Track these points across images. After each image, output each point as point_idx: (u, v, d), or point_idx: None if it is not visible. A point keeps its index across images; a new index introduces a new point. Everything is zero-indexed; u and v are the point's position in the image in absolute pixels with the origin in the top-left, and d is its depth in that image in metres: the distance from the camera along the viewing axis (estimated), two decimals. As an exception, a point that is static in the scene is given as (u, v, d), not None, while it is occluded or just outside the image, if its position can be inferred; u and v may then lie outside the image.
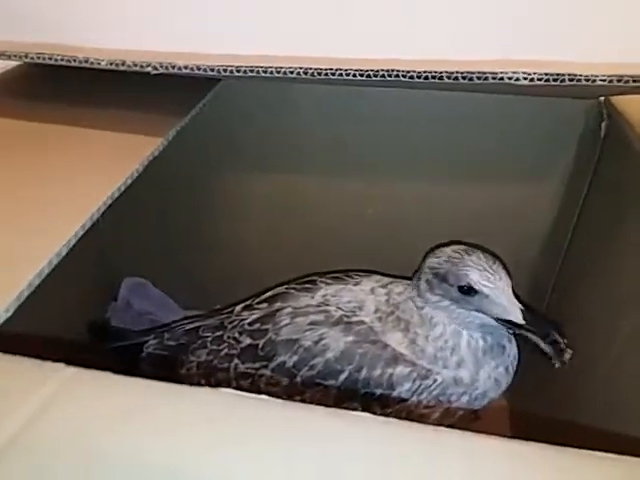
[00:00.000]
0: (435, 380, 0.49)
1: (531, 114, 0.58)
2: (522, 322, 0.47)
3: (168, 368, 0.57)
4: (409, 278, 0.55)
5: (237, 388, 0.53)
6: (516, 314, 0.47)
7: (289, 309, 0.54)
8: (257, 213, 0.69)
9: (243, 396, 0.23)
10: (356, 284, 0.56)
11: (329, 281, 0.57)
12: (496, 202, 0.62)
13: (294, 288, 0.57)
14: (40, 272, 0.32)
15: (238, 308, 0.58)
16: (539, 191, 0.63)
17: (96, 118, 0.51)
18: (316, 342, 0.50)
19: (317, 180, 0.66)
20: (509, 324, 0.48)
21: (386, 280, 0.56)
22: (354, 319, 0.52)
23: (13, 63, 0.58)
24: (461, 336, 0.50)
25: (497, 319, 0.48)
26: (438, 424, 0.50)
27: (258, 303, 0.57)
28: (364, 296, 0.54)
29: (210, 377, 0.55)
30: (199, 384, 0.55)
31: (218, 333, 0.56)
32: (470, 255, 0.49)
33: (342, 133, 0.63)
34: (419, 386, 0.49)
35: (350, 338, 0.50)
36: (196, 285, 0.75)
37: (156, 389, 0.24)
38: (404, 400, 0.49)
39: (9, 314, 0.30)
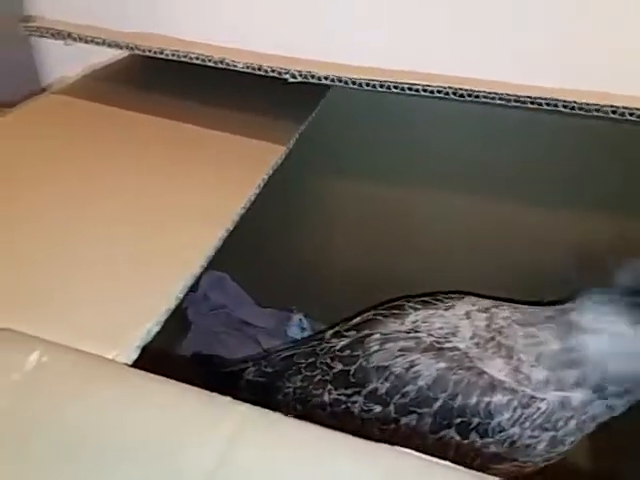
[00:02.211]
0: (539, 408, 0.46)
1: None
2: None
3: (266, 394, 0.58)
4: (514, 301, 0.53)
5: (331, 414, 0.53)
6: None
7: (378, 335, 0.53)
8: (353, 223, 0.68)
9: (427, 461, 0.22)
10: (447, 309, 0.53)
11: (418, 306, 0.55)
12: (599, 234, 0.59)
13: (382, 314, 0.56)
14: (185, 286, 0.32)
15: (328, 335, 0.58)
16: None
17: (209, 118, 0.50)
18: (407, 369, 0.49)
19: (421, 195, 0.65)
20: None
21: (486, 303, 0.53)
22: (447, 345, 0.49)
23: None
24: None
25: None
26: (547, 454, 0.47)
27: (346, 330, 0.56)
28: (457, 321, 0.52)
29: (305, 403, 0.54)
30: (295, 409, 0.56)
31: (311, 360, 0.56)
32: None
33: (453, 149, 0.62)
34: (521, 415, 0.46)
35: (442, 365, 0.48)
36: (276, 284, 0.74)
37: (330, 438, 0.23)
38: (505, 429, 0.47)
39: (158, 328, 0.29)
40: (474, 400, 0.46)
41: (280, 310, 0.79)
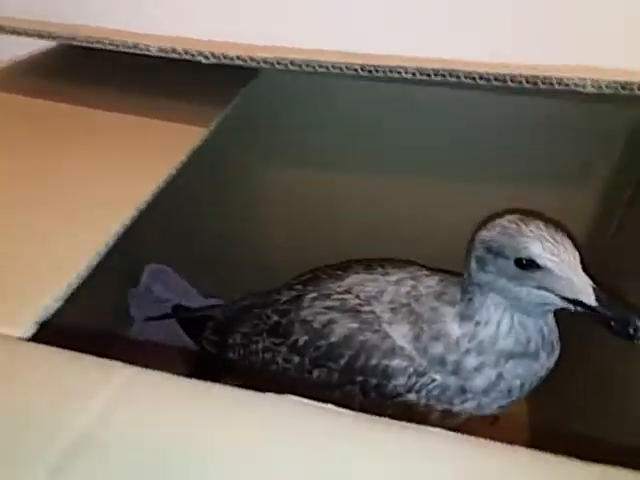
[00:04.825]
0: (433, 380, 0.48)
1: (577, 118, 0.55)
2: (594, 304, 0.41)
3: (223, 335, 0.64)
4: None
5: (262, 360, 0.58)
6: (587, 293, 0.41)
7: (314, 293, 0.56)
8: (284, 205, 0.69)
9: (304, 404, 0.23)
10: (384, 274, 0.56)
11: (361, 269, 0.58)
12: (534, 206, 0.61)
13: (328, 273, 0.59)
14: (89, 264, 0.32)
15: (282, 288, 0.62)
16: (580, 196, 0.61)
17: (133, 104, 0.51)
18: (324, 325, 0.53)
19: (349, 175, 0.67)
20: (578, 305, 0.42)
21: (423, 272, 0.55)
22: (365, 308, 0.52)
23: (53, 43, 0.57)
24: (496, 337, 0.47)
25: (563, 298, 0.43)
26: (440, 426, 0.50)
27: (297, 284, 0.61)
28: (385, 286, 0.54)
29: (245, 348, 0.60)
30: (238, 353, 0.62)
31: (261, 310, 0.61)
32: (528, 225, 0.44)
33: (378, 130, 0.63)
34: (415, 382, 0.49)
35: (354, 325, 0.51)
36: (219, 273, 0.74)
37: (213, 392, 0.24)
38: (401, 394, 0.50)
39: (58, 305, 0.29)
40: (374, 361, 0.50)
41: (223, 299, 0.79)
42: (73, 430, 0.20)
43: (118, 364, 0.24)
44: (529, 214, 0.46)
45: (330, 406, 0.22)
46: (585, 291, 0.41)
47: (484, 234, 0.46)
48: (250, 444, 0.21)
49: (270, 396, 0.23)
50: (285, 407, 0.23)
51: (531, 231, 0.43)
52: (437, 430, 0.23)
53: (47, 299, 0.29)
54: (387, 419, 0.23)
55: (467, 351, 0.48)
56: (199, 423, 0.22)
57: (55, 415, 0.21)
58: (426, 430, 0.23)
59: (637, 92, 0.39)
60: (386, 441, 0.22)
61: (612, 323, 0.41)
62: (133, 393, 0.22)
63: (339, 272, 0.58)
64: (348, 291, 0.55)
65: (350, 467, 0.21)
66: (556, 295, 0.43)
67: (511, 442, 0.22)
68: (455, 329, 0.48)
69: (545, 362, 0.48)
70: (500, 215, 0.47)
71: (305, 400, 0.23)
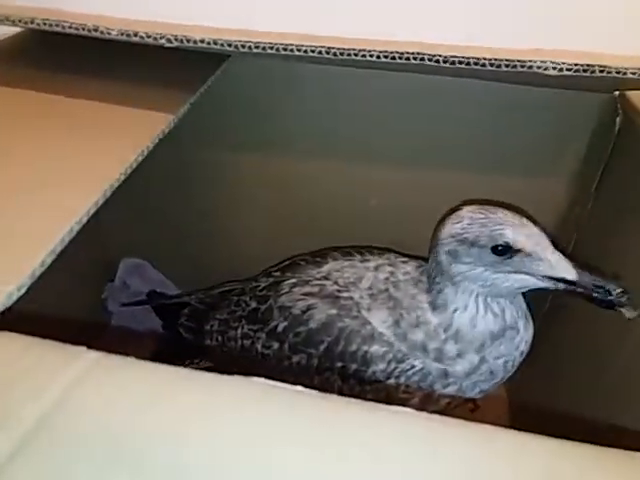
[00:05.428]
0: (413, 366, 0.49)
1: (545, 106, 0.56)
2: (576, 278, 0.42)
3: (199, 322, 0.64)
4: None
5: (241, 347, 0.58)
6: (568, 269, 0.43)
7: (293, 280, 0.56)
8: (258, 196, 0.69)
9: (271, 386, 0.22)
10: (363, 261, 0.56)
11: (339, 256, 0.58)
12: (504, 193, 0.61)
13: (306, 260, 0.59)
14: (53, 250, 0.31)
15: (260, 275, 0.62)
16: (548, 183, 0.61)
17: (100, 91, 0.50)
18: (304, 311, 0.53)
19: (322, 164, 0.66)
20: (560, 282, 0.43)
21: (400, 259, 0.55)
22: (344, 294, 0.53)
23: (16, 29, 0.55)
24: (475, 320, 0.47)
25: (545, 278, 0.44)
26: (421, 409, 0.50)
27: (275, 271, 0.61)
28: (364, 272, 0.54)
29: (224, 334, 0.60)
30: (216, 340, 0.62)
31: (240, 297, 0.61)
32: (494, 212, 0.45)
33: (350, 117, 0.62)
34: (394, 369, 0.49)
35: (334, 311, 0.51)
36: (195, 266, 0.74)
37: (177, 376, 0.23)
38: (380, 380, 0.50)
39: (21, 292, 0.29)
40: (354, 347, 0.50)
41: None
42: (32, 413, 0.20)
43: (82, 349, 0.24)
44: (485, 204, 0.47)
45: (298, 387, 0.22)
46: (565, 268, 0.43)
47: (453, 227, 0.46)
48: (215, 426, 0.21)
49: (236, 378, 0.23)
50: (251, 389, 0.23)
51: (500, 218, 0.44)
52: (406, 410, 0.23)
53: (9, 286, 0.28)
54: (355, 399, 0.23)
55: (446, 339, 0.48)
56: (161, 407, 0.22)
57: (14, 398, 0.21)
58: (396, 410, 0.23)
59: (598, 74, 0.40)
60: (356, 421, 0.22)
61: (594, 295, 0.43)
62: (96, 377, 0.22)
63: (318, 259, 0.58)
64: (327, 277, 0.55)
65: (323, 449, 0.21)
66: (536, 276, 0.44)
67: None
68: (432, 317, 0.49)
69: (524, 334, 0.49)
70: (457, 208, 0.48)
71: (271, 382, 0.23)
